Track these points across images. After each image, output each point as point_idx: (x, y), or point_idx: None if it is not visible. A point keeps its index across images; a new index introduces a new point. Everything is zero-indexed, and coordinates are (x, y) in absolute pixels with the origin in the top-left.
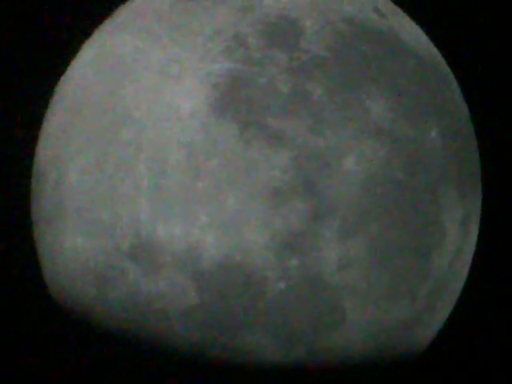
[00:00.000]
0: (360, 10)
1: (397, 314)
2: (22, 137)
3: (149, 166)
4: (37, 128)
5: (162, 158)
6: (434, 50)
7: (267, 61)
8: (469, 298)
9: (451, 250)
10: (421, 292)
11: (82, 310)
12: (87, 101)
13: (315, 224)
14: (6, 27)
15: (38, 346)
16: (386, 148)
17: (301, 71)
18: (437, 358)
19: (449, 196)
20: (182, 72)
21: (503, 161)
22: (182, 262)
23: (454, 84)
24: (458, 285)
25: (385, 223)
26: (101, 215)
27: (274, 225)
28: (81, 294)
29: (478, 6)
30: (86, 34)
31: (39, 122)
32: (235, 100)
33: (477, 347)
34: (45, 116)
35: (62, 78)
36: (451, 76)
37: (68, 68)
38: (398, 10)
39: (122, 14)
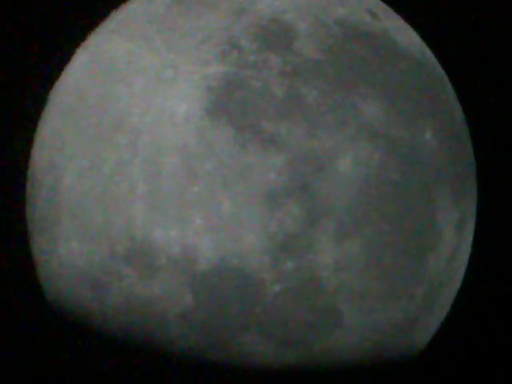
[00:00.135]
0: (353, 12)
1: (393, 316)
2: (17, 142)
3: (144, 170)
4: (32, 132)
5: (157, 162)
6: (428, 52)
7: (261, 64)
8: (465, 300)
9: (447, 251)
10: (417, 294)
11: (78, 314)
12: (82, 105)
13: (311, 227)
14: (0, 32)
15: (34, 350)
16: (381, 150)
17: (295, 74)
18: (433, 360)
19: (444, 198)
20: (176, 76)
21: (498, 162)
22: (177, 265)
23: (449, 86)
24: (454, 286)
25: (380, 225)
26: (96, 219)
27: (270, 228)
28: (77, 298)
29: (471, 7)
30: (81, 38)
31: (34, 127)
32: (230, 103)
33: (473, 349)
34: (40, 120)
35: (57, 82)
36: (445, 78)
37: (62, 72)
38: (392, 12)
39: (116, 19)
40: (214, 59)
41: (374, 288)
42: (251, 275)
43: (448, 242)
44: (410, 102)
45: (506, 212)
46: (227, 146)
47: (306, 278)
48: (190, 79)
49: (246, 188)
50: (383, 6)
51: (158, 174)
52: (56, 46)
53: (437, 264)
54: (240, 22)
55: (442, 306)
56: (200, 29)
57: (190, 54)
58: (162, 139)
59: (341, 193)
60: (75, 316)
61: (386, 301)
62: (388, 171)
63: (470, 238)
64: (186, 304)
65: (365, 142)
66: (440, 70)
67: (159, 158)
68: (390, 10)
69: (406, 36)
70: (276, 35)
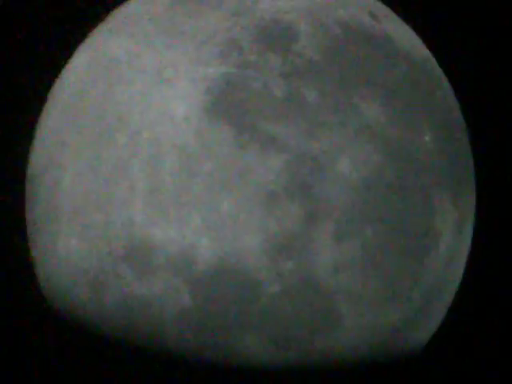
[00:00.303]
0: (353, 14)
1: (391, 317)
2: (17, 140)
3: (143, 170)
4: (31, 132)
5: (156, 162)
6: (428, 54)
7: (261, 65)
8: (463, 301)
9: (445, 252)
10: (415, 295)
11: (76, 313)
12: (82, 104)
13: (309, 227)
14: (0, 32)
15: (32, 349)
16: (380, 151)
17: (295, 75)
18: (431, 361)
19: (443, 199)
20: (176, 76)
21: (497, 163)
22: (176, 265)
23: (448, 87)
24: (452, 287)
25: (379, 226)
26: (95, 218)
27: (269, 228)
28: (75, 296)
29: (471, 8)
30: (81, 37)
31: (34, 126)
32: (229, 104)
33: (471, 350)
34: (39, 120)
35: (57, 82)
36: (445, 79)
37: (62, 72)
38: (392, 14)
39: (116, 18)
40: (214, 59)
41: (373, 289)
42: (250, 275)
43: (446, 243)
44: (409, 104)
45: (504, 213)
46: (227, 147)
47: (305, 279)
48: (190, 79)
49: (245, 188)
50: (384, 8)
51: (158, 173)
52: (56, 45)
53: (435, 265)
54: (241, 22)
55: (440, 307)
56: (200, 29)
57: (190, 54)
58: (162, 139)
59: (340, 194)
60: (73, 315)
61: (384, 302)
62: (387, 172)
63: (468, 240)
64: (183, 304)
65: (364, 143)
66: (439, 72)
67: (159, 158)
68: (390, 12)
69: (405, 38)
70: (277, 36)
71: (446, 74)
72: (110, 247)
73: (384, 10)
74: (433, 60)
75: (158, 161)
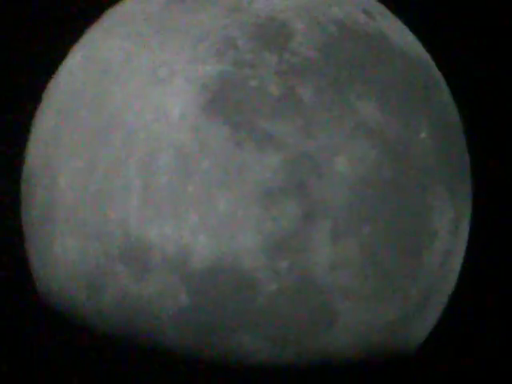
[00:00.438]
0: (349, 12)
1: (388, 315)
2: (11, 141)
3: (139, 169)
4: (26, 132)
5: (152, 161)
6: (423, 51)
7: (257, 63)
8: (460, 299)
9: (442, 250)
10: (412, 292)
11: (72, 313)
12: (76, 104)
13: (306, 225)
14: None
15: (28, 349)
16: (377, 149)
17: (291, 73)
18: (428, 359)
19: (439, 196)
20: (171, 74)
21: (494, 161)
22: (172, 264)
23: (444, 85)
24: (449, 285)
25: (376, 224)
26: (91, 218)
27: (266, 226)
28: (71, 296)
29: (467, 6)
30: (75, 37)
31: (28, 126)
32: (225, 102)
33: (468, 347)
34: (34, 120)
35: (51, 82)
36: (441, 77)
37: (57, 72)
38: (387, 12)
39: (110, 18)
40: (210, 58)
41: (370, 287)
42: (246, 274)
43: (443, 241)
44: (405, 101)
45: (501, 211)
46: (223, 145)
47: (302, 277)
48: (186, 78)
49: (242, 187)
50: (379, 5)
51: (154, 172)
52: (50, 44)
53: (432, 263)
54: (236, 20)
55: (436, 304)
56: (196, 27)
57: (185, 53)
58: (158, 138)
59: (337, 192)
60: (69, 314)
61: (381, 300)
62: (383, 170)
63: (465, 237)
64: (180, 303)
65: (361, 140)
66: (435, 70)
67: (154, 157)
68: (385, 10)
69: (401, 36)
70: (272, 34)
71: (441, 70)
72: (106, 247)
73: (378, 8)
74: (428, 57)
75: (154, 159)
